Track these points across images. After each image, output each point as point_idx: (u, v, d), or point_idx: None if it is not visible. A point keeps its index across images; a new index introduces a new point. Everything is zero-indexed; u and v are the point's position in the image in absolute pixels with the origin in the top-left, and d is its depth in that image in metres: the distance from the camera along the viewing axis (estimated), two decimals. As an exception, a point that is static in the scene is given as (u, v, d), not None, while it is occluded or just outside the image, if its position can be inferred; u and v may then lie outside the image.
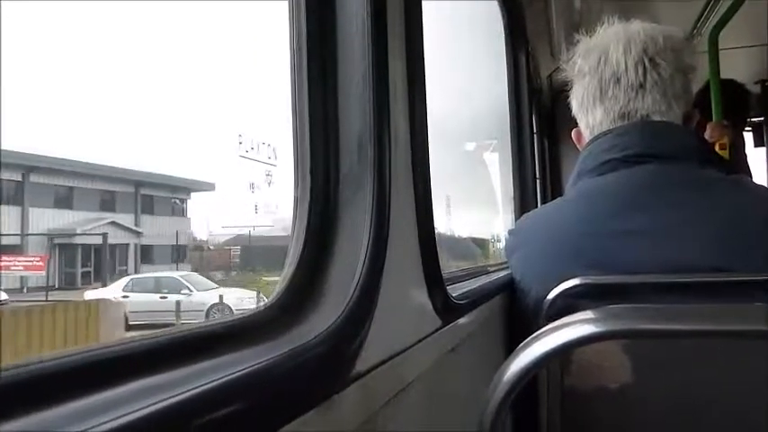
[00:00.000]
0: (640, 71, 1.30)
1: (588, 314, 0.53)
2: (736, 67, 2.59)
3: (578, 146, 1.48)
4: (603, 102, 1.34)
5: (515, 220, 2.45)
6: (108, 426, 0.32)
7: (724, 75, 2.23)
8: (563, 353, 0.55)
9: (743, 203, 1.17)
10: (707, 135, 2.11)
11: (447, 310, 0.91)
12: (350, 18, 0.73)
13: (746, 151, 2.56)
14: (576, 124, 1.47)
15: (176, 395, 0.37)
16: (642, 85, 1.30)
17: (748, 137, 2.89)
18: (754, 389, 0.78)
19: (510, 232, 1.55)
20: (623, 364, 0.97)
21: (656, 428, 0.96)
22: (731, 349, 0.73)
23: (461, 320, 1.00)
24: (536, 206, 2.65)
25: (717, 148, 2.04)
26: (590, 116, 1.38)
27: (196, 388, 0.39)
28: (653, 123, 1.31)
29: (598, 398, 1.03)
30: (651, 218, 1.17)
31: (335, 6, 0.73)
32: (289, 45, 0.69)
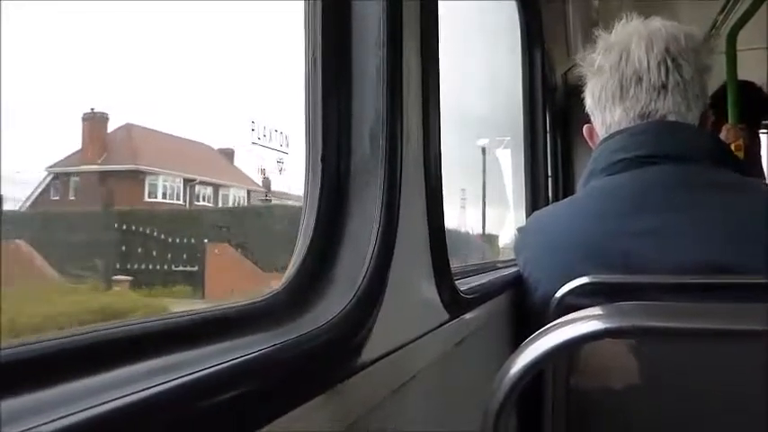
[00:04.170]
0: (663, 71, 1.28)
1: (596, 310, 0.53)
2: (753, 68, 2.56)
3: (590, 142, 1.47)
4: (624, 101, 1.32)
5: (526, 218, 2.45)
6: (119, 402, 0.32)
7: (740, 76, 2.21)
8: (570, 348, 0.55)
9: (755, 206, 1.16)
10: (722, 137, 2.09)
11: (455, 303, 0.91)
12: (366, 9, 0.73)
13: (761, 154, 2.54)
14: (588, 120, 1.45)
15: (185, 375, 0.38)
16: (664, 86, 1.28)
17: (763, 139, 2.86)
18: (765, 390, 0.78)
19: (519, 230, 1.55)
20: (628, 365, 0.97)
21: (661, 429, 0.96)
22: (742, 350, 0.73)
23: (468, 315, 1.00)
24: (547, 204, 2.64)
25: (732, 150, 2.03)
26: (607, 114, 1.36)
27: (204, 369, 0.40)
28: (668, 124, 1.29)
29: (602, 398, 1.03)
30: (662, 218, 1.16)
31: (351, -3, 0.73)
32: (304, 34, 0.70)
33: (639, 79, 1.30)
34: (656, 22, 1.33)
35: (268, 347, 0.48)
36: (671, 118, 1.29)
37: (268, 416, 0.45)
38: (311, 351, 0.53)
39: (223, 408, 0.40)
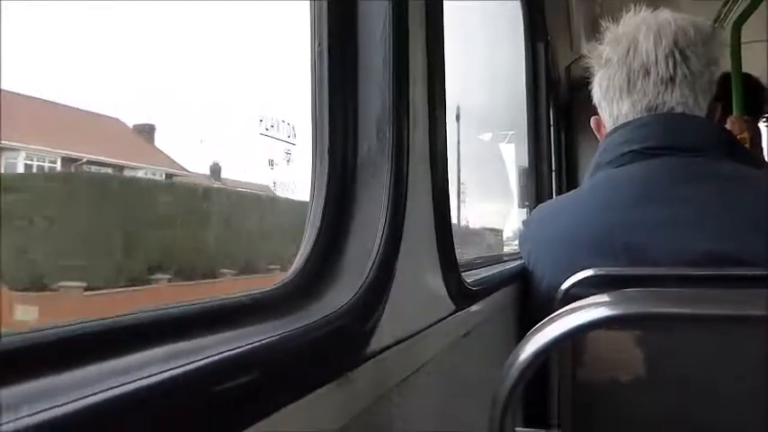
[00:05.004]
0: (671, 64, 1.27)
1: (603, 297, 0.53)
2: (756, 60, 2.55)
3: (597, 134, 1.47)
4: (631, 94, 1.32)
5: (529, 213, 2.45)
6: (132, 386, 0.33)
7: (750, 68, 2.20)
8: (578, 335, 0.55)
9: (761, 198, 1.15)
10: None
11: (461, 295, 0.92)
12: (372, 2, 0.73)
13: (762, 145, 2.53)
14: (594, 112, 1.45)
15: (195, 362, 0.38)
16: (672, 79, 1.28)
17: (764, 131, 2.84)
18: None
19: (524, 222, 1.55)
20: (633, 356, 0.97)
21: (668, 420, 0.97)
22: (746, 338, 0.73)
23: (475, 307, 1.00)
24: (551, 198, 2.64)
25: None
26: (615, 107, 1.35)
27: (213, 356, 0.40)
28: (675, 116, 1.29)
29: (608, 388, 1.03)
30: (668, 210, 1.16)
31: (357, -10, 0.74)
32: (310, 26, 0.70)
33: (647, 72, 1.29)
34: (665, 14, 1.32)
35: (277, 336, 0.48)
36: (679, 110, 1.29)
37: (276, 403, 0.45)
38: (320, 340, 0.53)
39: (232, 394, 0.41)
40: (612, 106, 1.36)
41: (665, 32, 1.29)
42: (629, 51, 1.31)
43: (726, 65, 2.16)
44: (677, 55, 1.27)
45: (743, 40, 2.19)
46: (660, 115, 1.29)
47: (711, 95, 1.32)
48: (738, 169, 1.21)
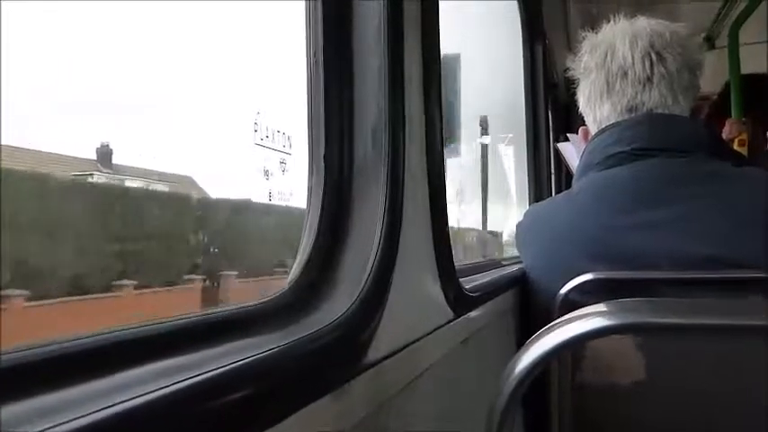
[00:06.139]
0: (647, 64, 1.30)
1: (600, 307, 0.53)
2: (759, 62, 2.55)
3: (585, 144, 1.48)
4: (611, 96, 1.34)
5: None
6: (128, 404, 0.32)
7: (749, 69, 2.20)
8: (575, 346, 0.55)
9: (753, 195, 1.15)
10: (725, 131, 2.09)
11: (459, 302, 0.91)
12: (367, 7, 0.73)
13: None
14: (584, 123, 1.47)
15: (192, 377, 0.38)
16: (649, 79, 1.30)
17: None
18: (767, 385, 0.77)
19: (518, 225, 1.55)
20: (634, 364, 0.97)
21: (668, 428, 0.96)
22: (745, 346, 0.73)
23: (474, 313, 1.00)
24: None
25: (736, 145, 2.02)
26: (597, 111, 1.38)
27: (211, 371, 0.40)
28: (660, 116, 1.30)
29: (608, 396, 1.03)
30: (661, 212, 1.17)
31: (353, -5, 0.73)
32: (305, 32, 0.70)
33: (625, 74, 1.32)
34: (642, 21, 1.35)
35: (274, 348, 0.48)
36: (659, 110, 1.30)
37: (275, 416, 0.45)
38: (317, 351, 0.53)
39: (230, 409, 0.40)
40: (595, 111, 1.38)
41: (641, 36, 1.32)
42: (606, 56, 1.34)
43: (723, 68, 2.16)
44: (653, 56, 1.29)
45: (748, 41, 2.19)
46: (646, 116, 1.30)
47: (693, 96, 1.33)
48: (726, 168, 1.22)
